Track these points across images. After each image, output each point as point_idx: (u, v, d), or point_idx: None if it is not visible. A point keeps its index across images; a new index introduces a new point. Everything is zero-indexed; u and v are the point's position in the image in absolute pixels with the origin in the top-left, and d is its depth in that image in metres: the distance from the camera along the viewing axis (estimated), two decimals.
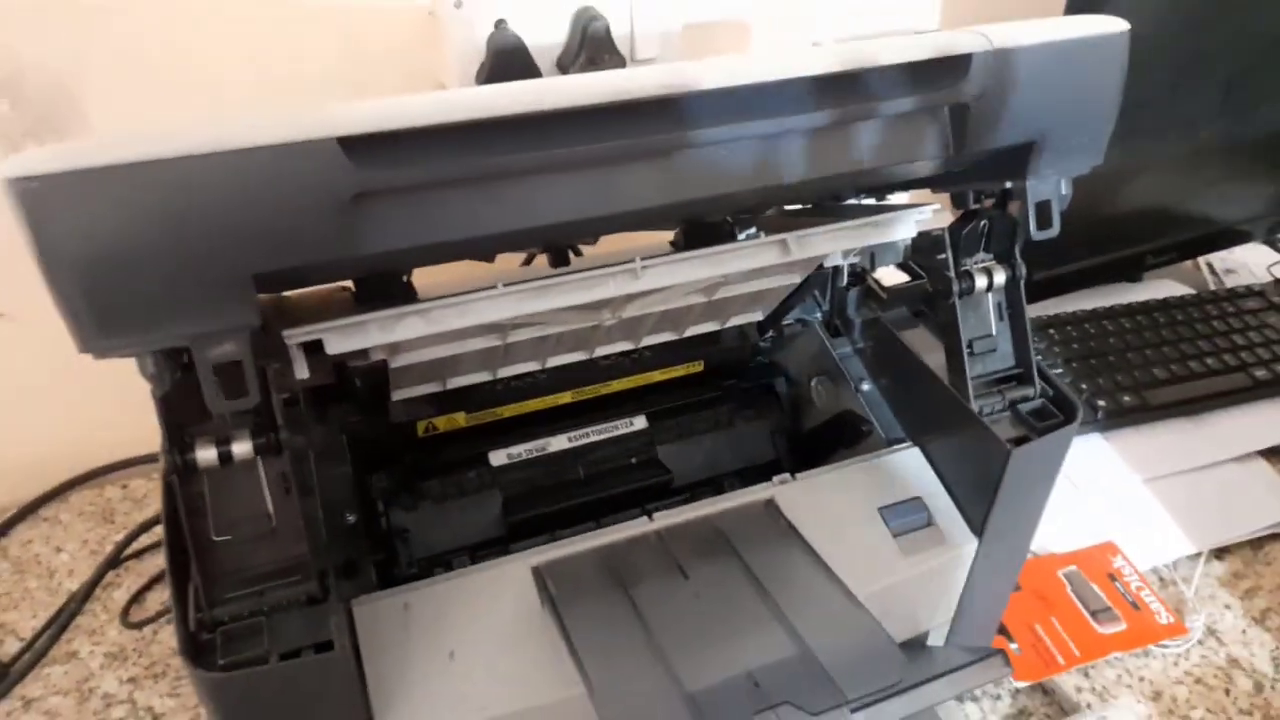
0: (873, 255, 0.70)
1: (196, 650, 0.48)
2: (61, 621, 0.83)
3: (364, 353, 0.57)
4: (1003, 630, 0.83)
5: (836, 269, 0.74)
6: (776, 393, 0.83)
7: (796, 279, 0.70)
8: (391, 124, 0.39)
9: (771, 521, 0.65)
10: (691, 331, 0.74)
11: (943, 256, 0.65)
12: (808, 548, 0.63)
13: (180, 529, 0.49)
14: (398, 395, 0.67)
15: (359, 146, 0.39)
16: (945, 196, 0.66)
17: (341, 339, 0.51)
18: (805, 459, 0.82)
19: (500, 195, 0.43)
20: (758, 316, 0.77)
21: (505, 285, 0.53)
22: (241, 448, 0.50)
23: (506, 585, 0.60)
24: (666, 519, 0.65)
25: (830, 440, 0.79)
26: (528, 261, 0.87)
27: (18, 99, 0.84)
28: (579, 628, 0.57)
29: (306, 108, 0.39)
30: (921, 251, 0.67)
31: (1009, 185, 0.58)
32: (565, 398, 0.79)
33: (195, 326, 0.39)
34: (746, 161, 0.49)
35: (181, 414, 0.48)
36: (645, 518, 0.65)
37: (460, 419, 0.75)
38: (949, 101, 0.51)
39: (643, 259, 0.56)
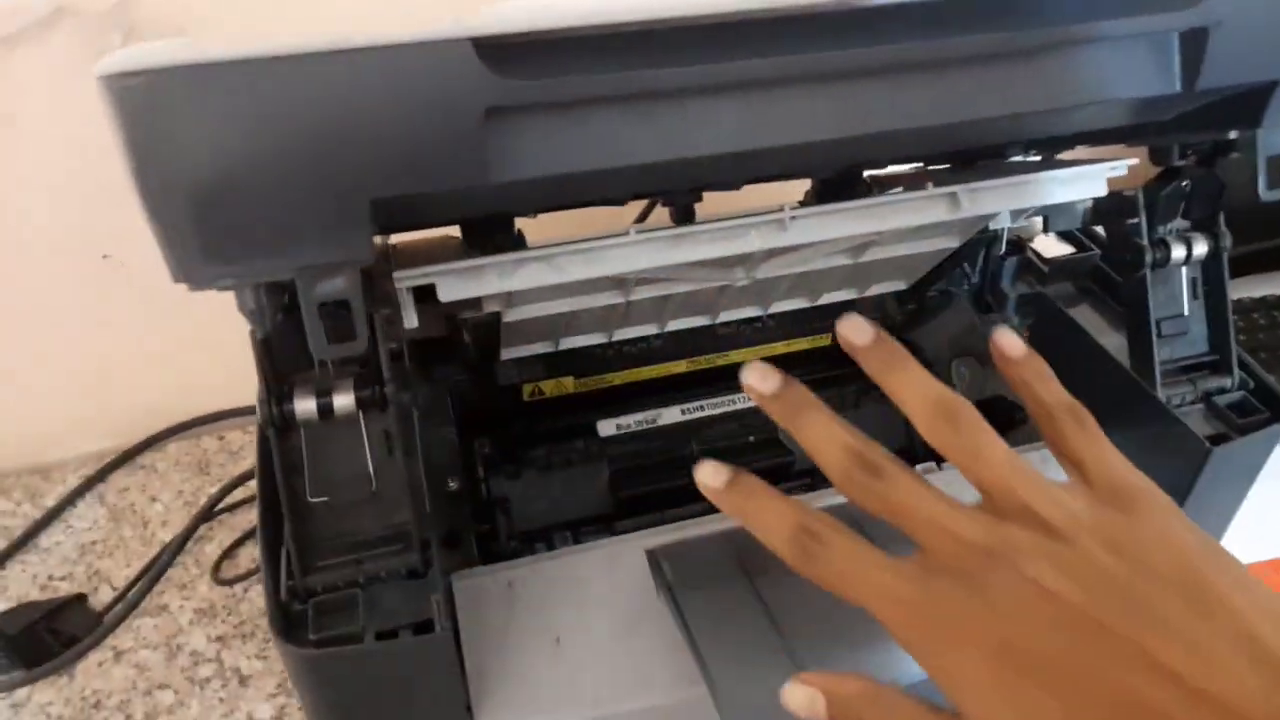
0: (1046, 219, 0.61)
1: (287, 623, 0.43)
2: (154, 573, 0.81)
3: (476, 305, 0.52)
4: None
5: (994, 236, 0.66)
6: None
7: (954, 243, 0.62)
8: (535, 25, 0.33)
9: None
10: (827, 299, 0.67)
11: (1134, 221, 0.56)
12: None
13: (274, 486, 0.45)
14: (507, 354, 0.62)
15: (496, 51, 0.33)
16: (1139, 152, 0.57)
17: (457, 284, 0.45)
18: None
19: (654, 118, 0.36)
20: (900, 285, 0.69)
21: (639, 232, 0.47)
22: (343, 400, 0.45)
23: (618, 568, 0.54)
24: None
25: None
26: (642, 218, 0.81)
27: (130, 35, 0.82)
28: (700, 620, 0.51)
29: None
30: (1107, 215, 0.58)
31: (1232, 136, 0.49)
32: (680, 367, 0.72)
33: (305, 256, 0.34)
34: (928, 91, 0.42)
35: (282, 360, 0.44)
36: None
37: (569, 384, 0.70)
38: (1183, 25, 0.42)
39: (791, 209, 0.49)
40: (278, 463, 0.45)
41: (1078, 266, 0.68)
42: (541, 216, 0.53)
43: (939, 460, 0.61)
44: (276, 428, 0.44)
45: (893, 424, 0.75)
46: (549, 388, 0.69)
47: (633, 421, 0.72)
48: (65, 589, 0.82)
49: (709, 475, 0.42)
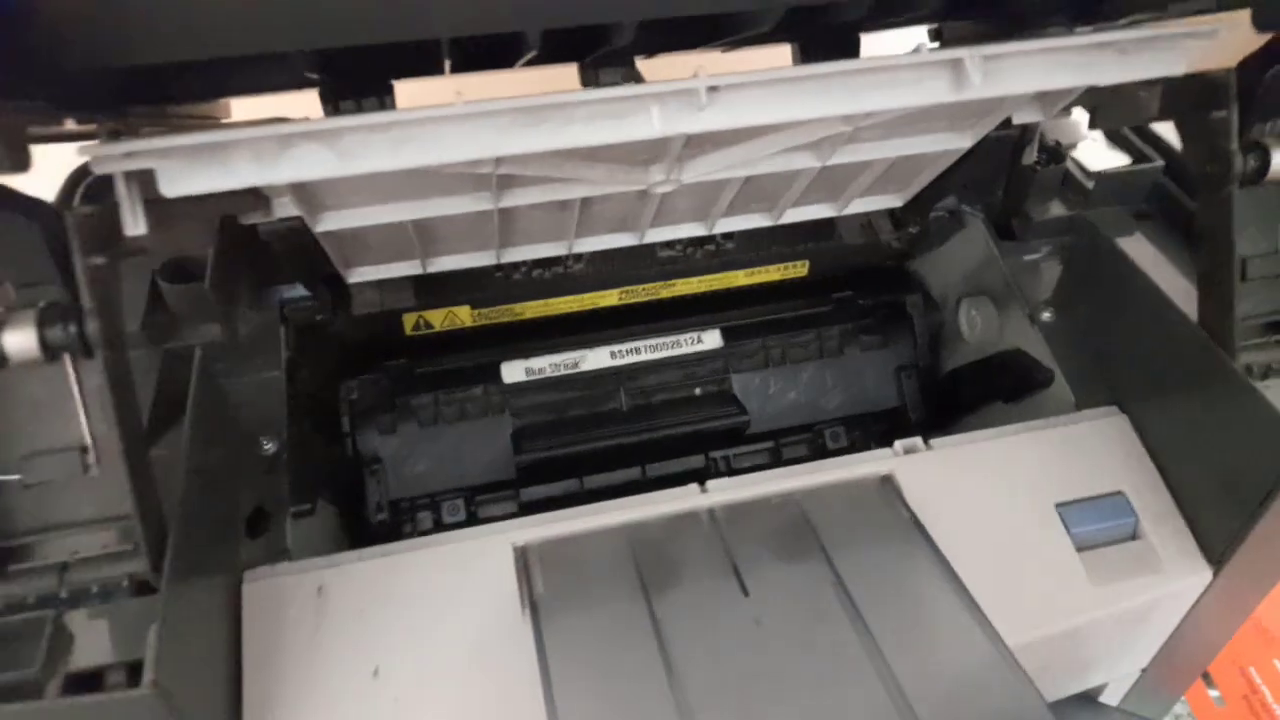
0: (1093, 112, 0.44)
1: None
2: None
3: (259, 206, 0.37)
4: (1203, 674, 0.59)
5: (1023, 133, 0.49)
6: (909, 314, 0.59)
7: (964, 143, 0.45)
8: None
9: (886, 509, 0.43)
10: (792, 216, 0.51)
11: (1221, 115, 0.39)
12: (937, 557, 0.40)
13: None
14: (356, 276, 0.47)
15: None
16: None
17: (186, 173, 0.30)
18: (943, 413, 0.59)
19: None
20: (893, 202, 0.53)
21: (471, 103, 0.31)
22: (19, 339, 0.30)
23: (474, 570, 0.40)
24: (728, 493, 0.43)
25: (983, 390, 0.56)
26: None
27: None
28: (564, 655, 0.37)
29: None
30: (1183, 107, 0.41)
31: None
32: (610, 299, 0.57)
33: None
34: None
35: None
36: (696, 487, 0.44)
37: (464, 315, 0.55)
38: None
39: (711, 77, 0.33)
40: None
41: (1133, 183, 0.51)
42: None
43: (927, 432, 0.46)
44: None
45: (882, 377, 0.60)
46: (438, 319, 0.55)
47: (547, 365, 0.57)
48: None
49: None
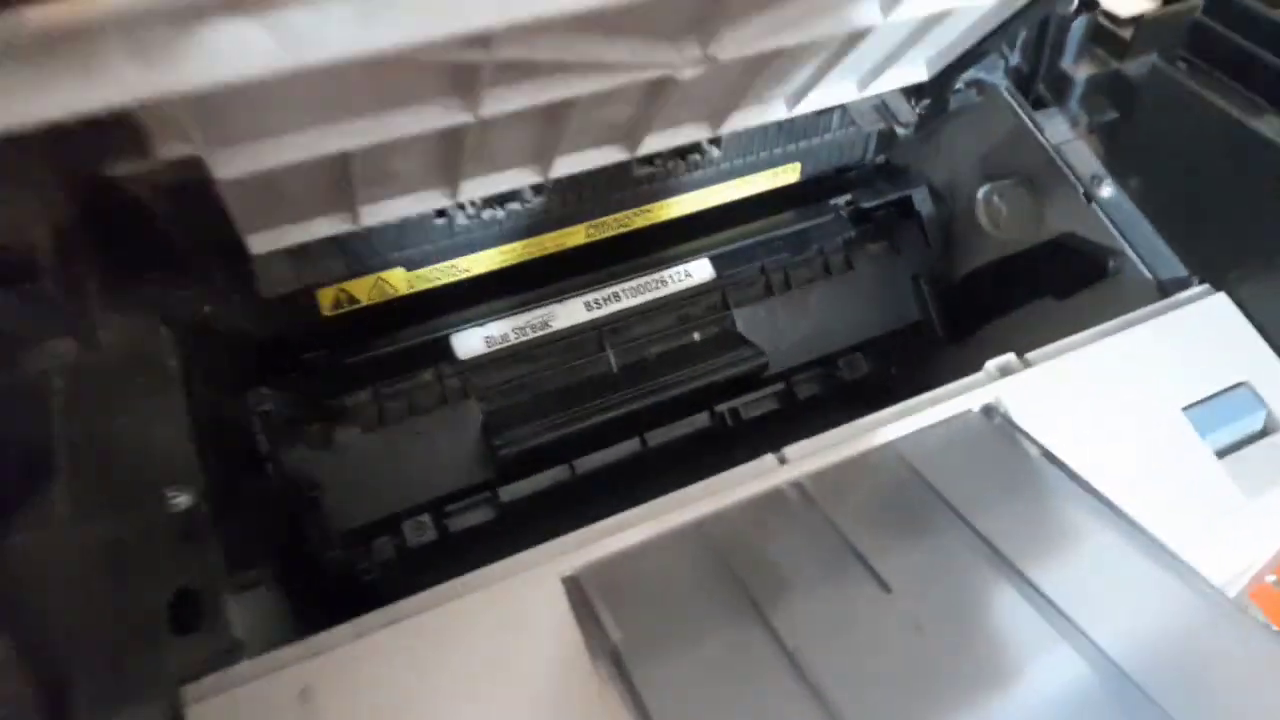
0: None
1: None
2: None
3: (132, 144, 0.24)
4: None
5: None
6: (916, 212, 0.51)
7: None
8: None
9: (1005, 446, 0.35)
10: (811, 104, 0.41)
11: None
12: (1091, 495, 0.32)
13: None
14: (263, 244, 0.33)
15: None
16: None
17: (17, 89, 0.17)
18: (958, 325, 0.51)
19: None
20: (918, 76, 0.43)
21: None
22: None
23: (516, 624, 0.29)
24: (812, 459, 0.34)
25: (1018, 290, 0.48)
26: None
27: None
28: (674, 713, 0.27)
29: None
30: None
31: None
32: (576, 236, 0.46)
33: None
34: None
35: None
36: (773, 460, 0.34)
37: (396, 280, 0.42)
38: None
39: None
40: None
41: (1172, 25, 0.44)
42: None
43: (956, 336, 0.38)
44: None
45: (897, 289, 0.51)
46: (363, 290, 0.42)
47: (510, 329, 0.45)
48: None
49: None
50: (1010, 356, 0.37)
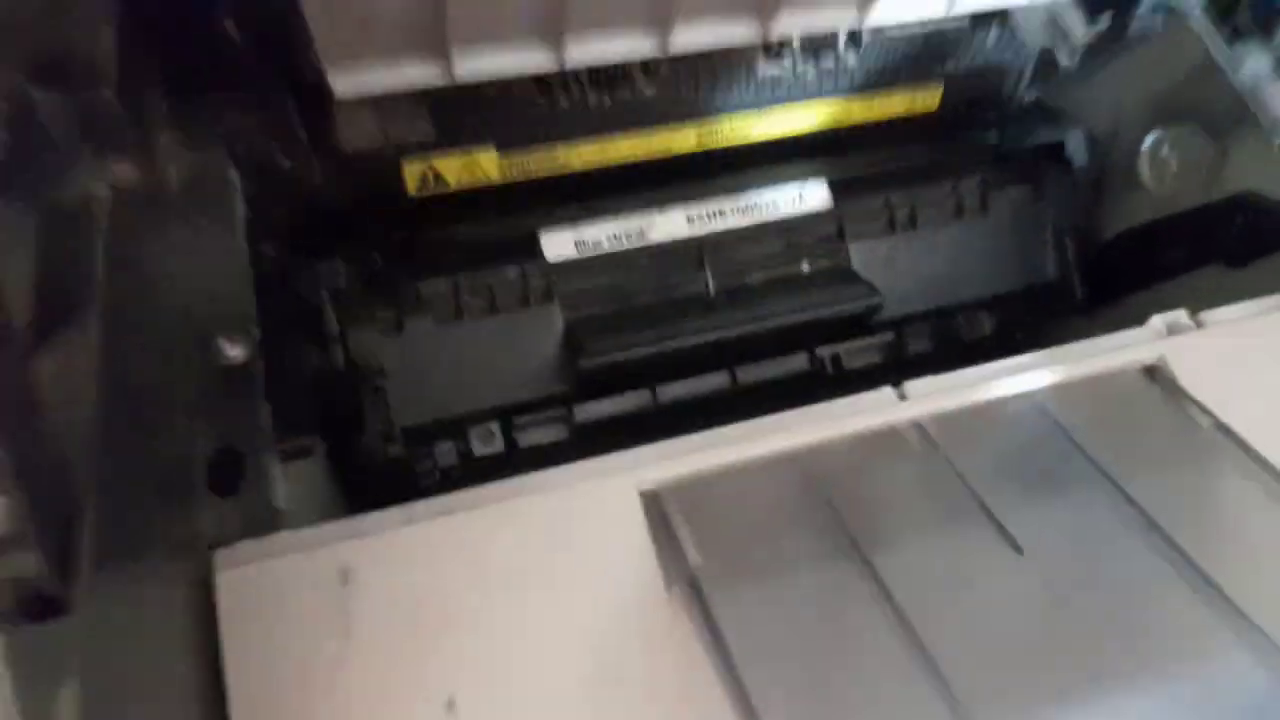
0: None
1: None
2: None
3: None
4: None
5: None
6: (1068, 158, 0.45)
7: None
8: None
9: (1169, 412, 0.30)
10: (968, 4, 0.36)
11: None
12: (1273, 475, 0.27)
13: None
14: (347, 85, 0.30)
15: None
16: None
17: None
18: (1118, 282, 0.45)
19: None
20: None
21: None
22: None
23: (583, 533, 0.26)
24: (938, 399, 0.29)
25: (1180, 255, 0.42)
26: None
27: None
28: (756, 655, 0.23)
29: None
30: None
31: None
32: (686, 140, 0.41)
33: None
34: None
35: None
36: (891, 393, 0.29)
37: (488, 162, 0.39)
38: None
39: None
40: None
41: None
42: None
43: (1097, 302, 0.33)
44: None
45: (1036, 242, 0.46)
46: (453, 170, 0.38)
47: (604, 235, 0.41)
48: None
49: None
50: (1180, 313, 0.32)
